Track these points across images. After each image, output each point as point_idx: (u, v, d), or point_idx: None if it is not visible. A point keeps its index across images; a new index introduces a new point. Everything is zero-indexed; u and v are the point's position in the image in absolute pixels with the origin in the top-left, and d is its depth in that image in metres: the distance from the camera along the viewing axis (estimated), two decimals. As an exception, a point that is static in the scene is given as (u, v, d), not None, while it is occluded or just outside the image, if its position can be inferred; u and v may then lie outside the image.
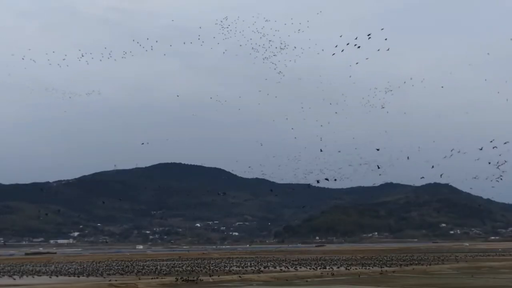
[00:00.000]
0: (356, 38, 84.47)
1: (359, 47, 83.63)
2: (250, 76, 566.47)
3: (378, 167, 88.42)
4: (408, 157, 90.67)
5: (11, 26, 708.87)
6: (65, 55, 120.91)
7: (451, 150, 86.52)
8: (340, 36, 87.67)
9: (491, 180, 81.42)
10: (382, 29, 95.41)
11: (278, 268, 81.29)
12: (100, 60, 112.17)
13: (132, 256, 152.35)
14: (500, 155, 77.14)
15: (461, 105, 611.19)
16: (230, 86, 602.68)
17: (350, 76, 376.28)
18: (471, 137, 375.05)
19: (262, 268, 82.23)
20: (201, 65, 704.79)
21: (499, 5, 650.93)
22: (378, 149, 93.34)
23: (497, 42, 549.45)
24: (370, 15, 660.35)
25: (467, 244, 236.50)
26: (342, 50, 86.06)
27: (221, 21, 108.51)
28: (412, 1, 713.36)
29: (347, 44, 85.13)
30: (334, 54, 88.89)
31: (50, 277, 72.32)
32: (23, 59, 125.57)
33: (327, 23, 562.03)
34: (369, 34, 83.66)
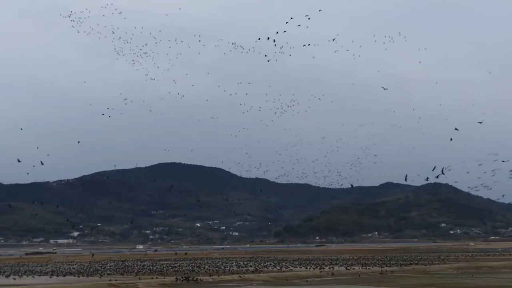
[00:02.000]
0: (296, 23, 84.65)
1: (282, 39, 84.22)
2: (247, 75, 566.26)
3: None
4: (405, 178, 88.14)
5: (11, 26, 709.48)
6: (64, 55, 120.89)
7: (495, 155, 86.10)
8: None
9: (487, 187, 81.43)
10: (320, 10, 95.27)
11: (277, 268, 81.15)
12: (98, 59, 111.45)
13: (132, 256, 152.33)
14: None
15: (462, 104, 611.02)
16: (229, 85, 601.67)
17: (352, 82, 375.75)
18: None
19: (261, 268, 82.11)
20: (199, 65, 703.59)
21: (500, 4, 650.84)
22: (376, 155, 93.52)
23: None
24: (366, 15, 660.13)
25: (472, 244, 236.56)
26: (284, 31, 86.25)
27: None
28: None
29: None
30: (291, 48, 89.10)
31: (50, 277, 72.23)
32: (22, 58, 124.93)
33: (327, 20, 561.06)
34: (307, 15, 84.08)
